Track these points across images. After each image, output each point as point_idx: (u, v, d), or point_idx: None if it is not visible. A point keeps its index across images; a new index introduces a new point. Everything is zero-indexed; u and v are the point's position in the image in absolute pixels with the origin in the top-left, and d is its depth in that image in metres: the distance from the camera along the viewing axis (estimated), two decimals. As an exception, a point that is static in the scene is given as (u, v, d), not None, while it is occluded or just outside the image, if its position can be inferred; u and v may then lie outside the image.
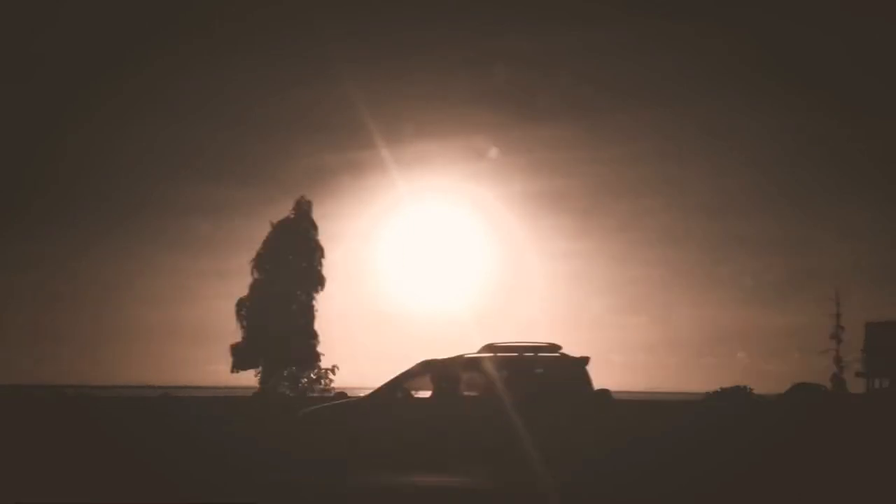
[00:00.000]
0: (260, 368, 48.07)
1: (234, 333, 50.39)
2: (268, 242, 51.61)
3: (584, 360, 14.22)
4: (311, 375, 48.38)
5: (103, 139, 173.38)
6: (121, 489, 11.55)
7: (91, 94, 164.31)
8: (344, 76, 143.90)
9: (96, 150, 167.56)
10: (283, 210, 60.30)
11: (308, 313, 51.37)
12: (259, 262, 51.04)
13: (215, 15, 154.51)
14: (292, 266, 51.22)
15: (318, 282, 51.04)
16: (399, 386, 14.50)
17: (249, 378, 49.02)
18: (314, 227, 53.20)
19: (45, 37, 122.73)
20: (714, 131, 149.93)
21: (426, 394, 14.46)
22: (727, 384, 44.98)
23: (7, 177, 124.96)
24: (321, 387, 47.38)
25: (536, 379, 14.31)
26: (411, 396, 14.52)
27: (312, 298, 51.53)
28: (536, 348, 14.42)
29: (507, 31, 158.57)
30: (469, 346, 15.72)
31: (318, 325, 50.53)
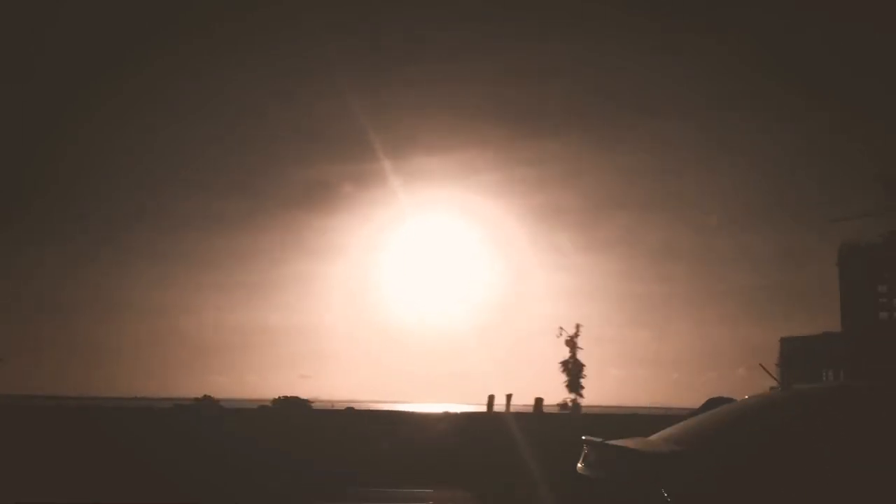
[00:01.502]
0: None
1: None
2: None
3: None
4: None
5: (102, 150, 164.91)
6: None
7: (90, 102, 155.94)
8: (346, 88, 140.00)
9: (95, 161, 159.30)
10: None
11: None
12: None
13: (216, 26, 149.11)
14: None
15: None
16: None
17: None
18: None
19: (39, 49, 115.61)
20: (717, 145, 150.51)
21: None
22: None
23: (5, 189, 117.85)
24: None
25: None
26: None
27: None
28: None
29: (513, 45, 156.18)
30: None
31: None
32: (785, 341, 78.12)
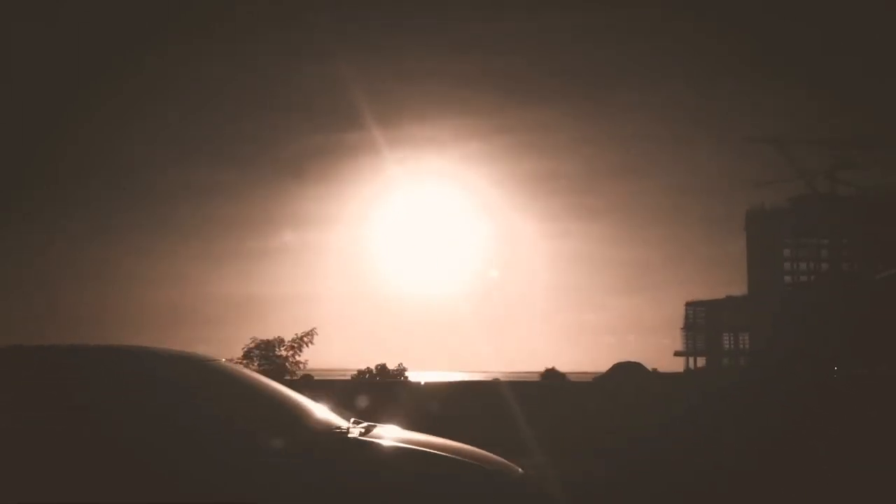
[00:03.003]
0: None
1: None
2: None
3: None
4: None
5: (88, 124, 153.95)
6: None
7: (91, 82, 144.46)
8: (336, 57, 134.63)
9: (94, 138, 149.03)
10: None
11: None
12: None
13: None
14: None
15: None
16: None
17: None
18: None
19: (51, 22, 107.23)
20: (709, 112, 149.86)
21: None
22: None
23: (6, 170, 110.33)
24: None
25: None
26: None
27: None
28: None
29: (502, 13, 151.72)
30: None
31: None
32: (689, 306, 78.30)
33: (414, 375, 38.36)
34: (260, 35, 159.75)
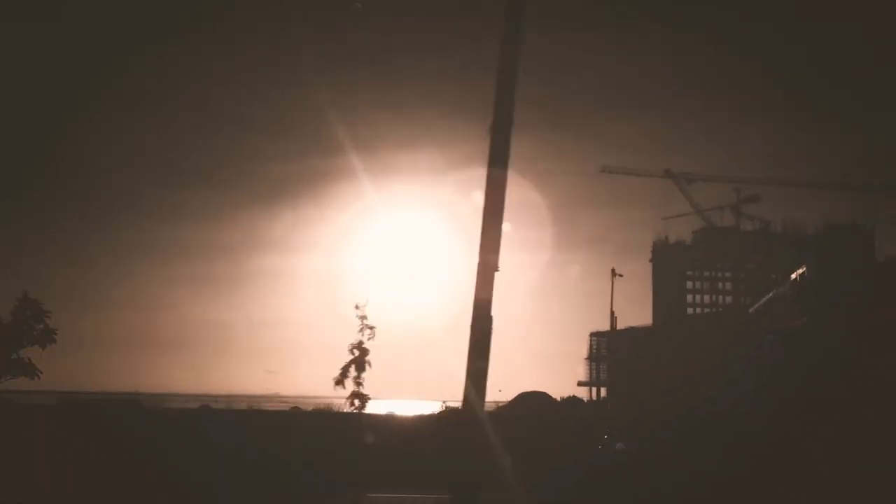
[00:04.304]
0: None
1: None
2: None
3: None
4: None
5: (68, 145, 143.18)
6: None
7: (66, 101, 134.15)
8: (314, 83, 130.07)
9: (68, 157, 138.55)
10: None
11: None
12: None
13: (189, 20, 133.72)
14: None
15: None
16: None
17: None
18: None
19: (23, 49, 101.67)
20: (689, 143, 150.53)
21: None
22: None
23: None
24: None
25: None
26: None
27: None
28: None
29: (481, 40, 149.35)
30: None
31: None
32: (593, 336, 78.37)
33: (388, 404, 36.05)
34: (240, 60, 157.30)
